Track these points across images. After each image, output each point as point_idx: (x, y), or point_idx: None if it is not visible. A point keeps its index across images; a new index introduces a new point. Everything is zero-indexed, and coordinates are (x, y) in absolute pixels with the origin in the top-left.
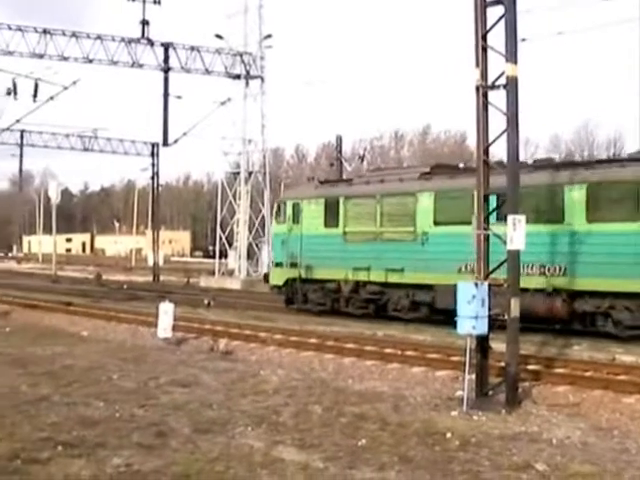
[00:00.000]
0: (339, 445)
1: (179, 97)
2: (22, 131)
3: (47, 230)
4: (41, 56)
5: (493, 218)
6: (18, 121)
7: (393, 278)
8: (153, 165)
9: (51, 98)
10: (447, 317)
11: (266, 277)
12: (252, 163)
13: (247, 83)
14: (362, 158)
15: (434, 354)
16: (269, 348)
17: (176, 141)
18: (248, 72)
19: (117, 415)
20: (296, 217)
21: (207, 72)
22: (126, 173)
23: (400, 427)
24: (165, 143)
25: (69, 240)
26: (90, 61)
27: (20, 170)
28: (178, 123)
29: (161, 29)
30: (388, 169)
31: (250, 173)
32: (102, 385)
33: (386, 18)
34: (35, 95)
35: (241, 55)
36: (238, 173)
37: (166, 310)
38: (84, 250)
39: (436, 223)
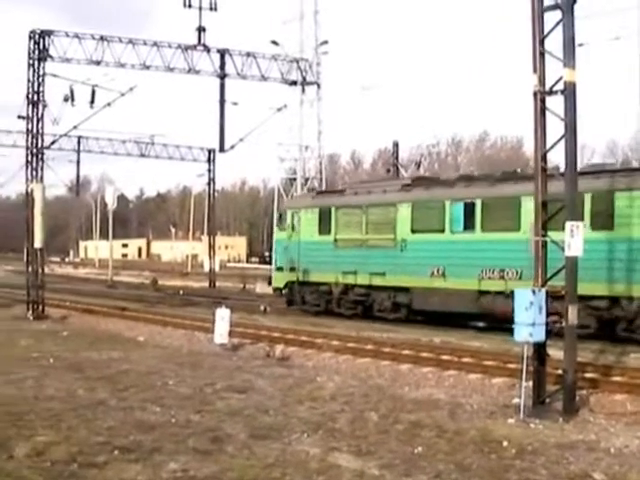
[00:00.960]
0: (395, 452)
1: (235, 103)
2: (79, 137)
3: (103, 235)
4: (98, 63)
5: (460, 227)
6: (75, 127)
7: (377, 281)
8: (209, 171)
9: (108, 104)
10: (425, 317)
11: (270, 280)
12: (308, 169)
13: (303, 89)
14: (418, 165)
15: (491, 361)
16: (326, 354)
17: (232, 147)
18: (304, 78)
19: (173, 420)
20: (295, 225)
21: (263, 78)
22: (182, 179)
23: (456, 435)
24: (222, 149)
25: (125, 245)
26: (147, 67)
27: (77, 176)
28: (234, 129)
29: (217, 35)
30: (374, 181)
31: (306, 179)
32: (158, 390)
33: (443, 23)
34: (92, 101)
35: (297, 61)
36: (294, 179)
37: (222, 316)
38: (140, 255)
39: (413, 231)
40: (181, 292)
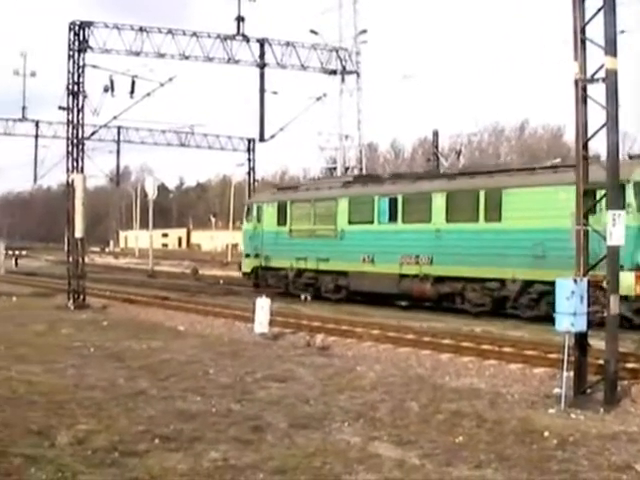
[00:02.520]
0: (436, 442)
1: (275, 93)
2: (119, 127)
3: (143, 225)
4: (138, 53)
5: (386, 219)
6: (115, 118)
7: (322, 266)
8: (249, 160)
9: (148, 95)
10: (361, 297)
11: (240, 266)
12: (348, 158)
13: (343, 78)
14: (459, 154)
15: (531, 351)
16: (366, 344)
17: (273, 136)
18: (344, 67)
19: (214, 409)
20: (259, 217)
21: (303, 68)
22: (222, 168)
23: (497, 425)
24: (262, 139)
25: (165, 235)
26: (186, 58)
27: (117, 166)
28: (274, 119)
29: (256, 25)
30: (322, 179)
31: (347, 168)
32: (199, 379)
33: (485, 10)
34: (132, 92)
35: (337, 50)
36: (334, 168)
37: (262, 305)
38: (180, 245)
39: (350, 222)
40: (221, 281)
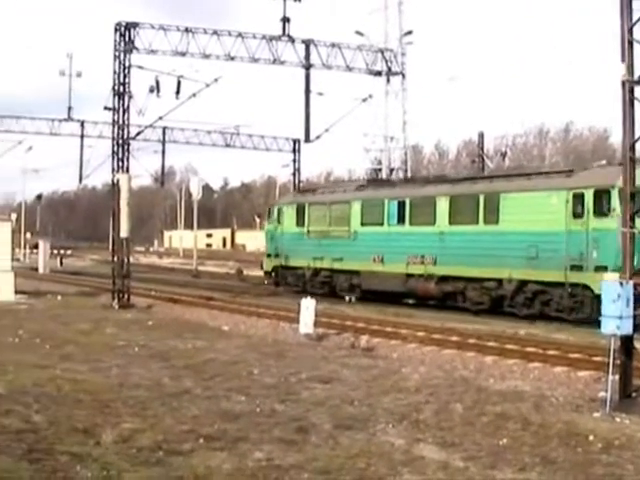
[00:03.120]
0: (480, 444)
1: (321, 94)
2: (164, 128)
3: (188, 225)
4: (183, 54)
5: (395, 221)
6: (161, 118)
7: (337, 266)
8: (295, 161)
9: (193, 95)
10: (374, 296)
11: (261, 265)
12: (393, 160)
13: (388, 80)
14: (504, 155)
15: (576, 354)
16: (410, 345)
17: (318, 137)
18: (389, 69)
19: (258, 410)
20: (280, 219)
21: (348, 69)
22: (267, 169)
23: (542, 428)
24: (307, 139)
25: (210, 235)
26: (232, 58)
27: (162, 166)
28: (320, 119)
29: (302, 26)
30: (338, 183)
31: (391, 170)
32: (243, 379)
33: (529, 11)
34: (178, 92)
35: (382, 52)
36: (380, 169)
37: (307, 306)
38: (224, 245)
39: (362, 224)
40: (266, 282)
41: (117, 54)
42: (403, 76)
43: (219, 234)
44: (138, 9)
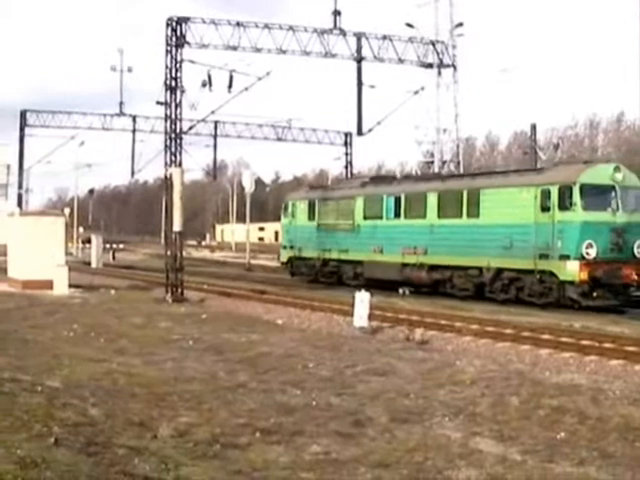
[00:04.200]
0: (537, 438)
1: (372, 86)
2: (216, 122)
3: (240, 219)
4: (235, 48)
5: (392, 215)
6: (213, 112)
7: (343, 256)
8: (347, 154)
9: (245, 89)
10: (376, 283)
11: (278, 256)
12: (445, 152)
13: (439, 72)
14: (557, 147)
15: (633, 347)
16: (465, 338)
17: (370, 130)
18: (441, 61)
19: (314, 403)
20: (294, 213)
21: (400, 61)
22: (318, 162)
23: (599, 421)
24: (359, 132)
25: (262, 229)
26: (283, 52)
27: (214, 160)
28: (371, 112)
29: (353, 18)
30: (344, 180)
31: (443, 162)
32: (298, 373)
33: (581, 2)
34: (230, 86)
35: (433, 44)
36: (431, 162)
37: (362, 299)
38: (277, 239)
39: (364, 218)
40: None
41: (169, 49)
42: (454, 68)
43: (271, 227)
44: (189, 3)
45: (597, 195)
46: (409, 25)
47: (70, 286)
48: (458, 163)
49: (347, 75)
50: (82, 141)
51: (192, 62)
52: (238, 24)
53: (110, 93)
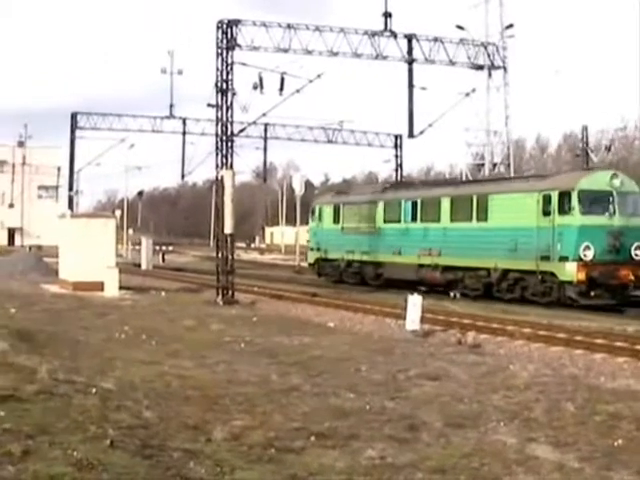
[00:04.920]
0: (594, 445)
1: (424, 89)
2: (266, 124)
3: (289, 221)
4: (286, 50)
5: (409, 218)
6: (264, 115)
7: (365, 258)
8: (397, 157)
9: (297, 91)
10: (394, 284)
11: (306, 257)
12: (495, 154)
13: (490, 74)
14: (609, 149)
15: None
16: (517, 342)
17: (422, 133)
18: (492, 63)
19: (368, 407)
20: (320, 216)
21: (451, 63)
22: (367, 165)
23: None
24: (410, 135)
25: None
26: (334, 54)
27: (264, 162)
28: (421, 114)
29: (403, 20)
30: (366, 185)
31: (494, 165)
32: (351, 376)
33: (632, 2)
34: (281, 89)
35: (484, 46)
36: (482, 165)
37: (415, 302)
38: None
39: (385, 221)
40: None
41: (219, 51)
42: (505, 70)
43: None
44: (239, 6)
45: (595, 200)
46: (459, 27)
47: (120, 288)
48: (508, 165)
49: (398, 77)
50: (132, 143)
51: (243, 64)
52: (289, 26)
53: (160, 95)
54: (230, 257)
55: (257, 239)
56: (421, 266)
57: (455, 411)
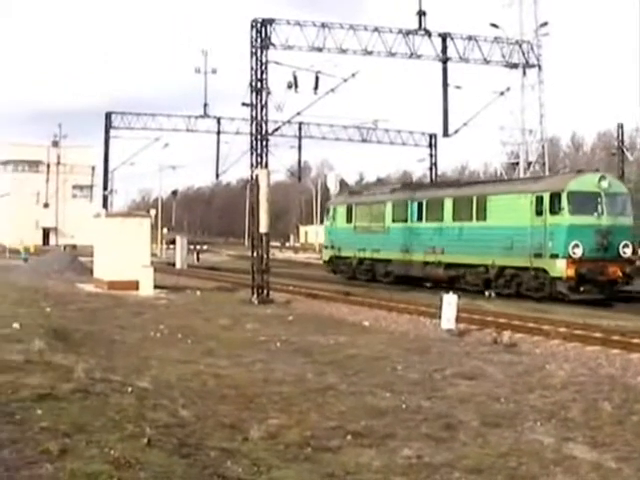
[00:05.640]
0: (632, 445)
1: (458, 87)
2: (300, 123)
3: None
4: (320, 49)
5: (415, 218)
6: (299, 114)
7: (376, 255)
8: (431, 156)
9: (332, 90)
10: (402, 280)
11: (322, 255)
12: (530, 153)
13: (524, 72)
14: None
15: None
16: (553, 341)
17: (456, 132)
18: (527, 61)
19: (404, 406)
20: (334, 216)
21: (485, 62)
22: (401, 164)
23: None
24: (445, 134)
25: None
26: (369, 53)
27: (299, 161)
28: (456, 113)
29: (438, 19)
30: (377, 187)
31: (529, 164)
32: (387, 375)
33: None
34: (316, 88)
35: (519, 44)
36: (516, 163)
37: (450, 301)
38: None
39: (393, 221)
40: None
41: (254, 50)
42: (539, 68)
43: None
44: (272, 5)
45: (583, 201)
46: (493, 25)
47: (155, 287)
48: (543, 164)
49: (432, 76)
50: (166, 143)
51: (277, 63)
52: (323, 25)
53: (194, 95)
54: (265, 256)
55: (291, 238)
56: (426, 263)
57: (491, 410)
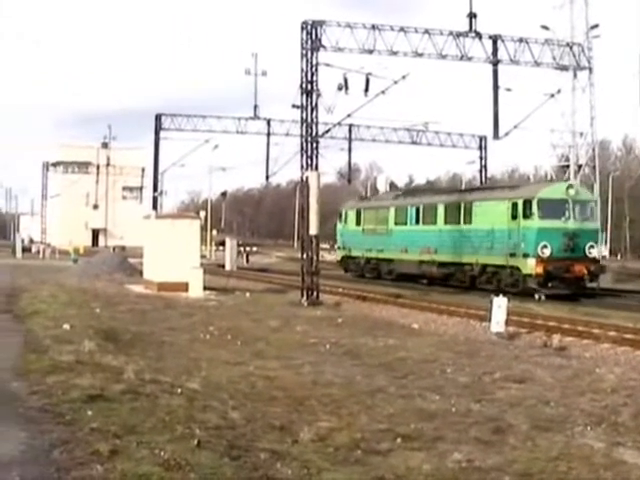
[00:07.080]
0: None
1: (509, 90)
2: (350, 125)
3: None
4: (370, 51)
5: (413, 221)
6: (349, 116)
7: (380, 255)
8: (481, 158)
9: (382, 92)
10: (403, 277)
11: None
12: (580, 156)
13: (575, 74)
14: None
15: None
16: (603, 345)
17: (507, 134)
18: (577, 63)
19: (453, 409)
20: (346, 219)
21: (536, 64)
22: (451, 166)
23: None
24: (496, 136)
25: None
26: (419, 55)
27: (349, 163)
28: (506, 115)
29: (488, 21)
30: (382, 193)
31: (579, 166)
32: (436, 378)
33: None
34: (366, 90)
35: (570, 46)
36: (566, 166)
37: (500, 304)
38: None
39: (395, 224)
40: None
41: (304, 52)
42: (590, 70)
43: None
44: (322, 6)
45: (552, 207)
46: (544, 27)
47: (205, 288)
48: (594, 167)
49: (483, 78)
50: (216, 144)
51: (328, 65)
52: (373, 27)
53: (244, 97)
54: (315, 258)
55: None
56: (422, 262)
57: (541, 414)
